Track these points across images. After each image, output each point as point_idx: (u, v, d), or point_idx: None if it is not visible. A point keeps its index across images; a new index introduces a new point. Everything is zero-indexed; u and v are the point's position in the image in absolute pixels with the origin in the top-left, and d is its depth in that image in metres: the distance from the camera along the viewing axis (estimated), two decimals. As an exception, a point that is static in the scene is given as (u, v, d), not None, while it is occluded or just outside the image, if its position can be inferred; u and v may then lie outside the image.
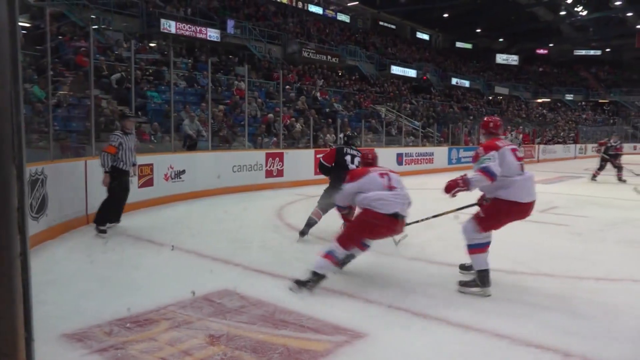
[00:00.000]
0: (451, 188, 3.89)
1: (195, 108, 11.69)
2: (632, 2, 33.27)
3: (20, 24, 0.96)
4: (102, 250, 5.30)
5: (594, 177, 13.41)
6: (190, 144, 10.02)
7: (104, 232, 5.85)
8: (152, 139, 10.08)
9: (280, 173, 10.98)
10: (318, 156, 11.21)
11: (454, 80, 34.01)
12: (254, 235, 6.07)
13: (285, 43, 23.54)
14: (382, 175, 4.08)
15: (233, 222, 7.03)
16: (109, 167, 5.81)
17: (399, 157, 15.24)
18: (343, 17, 32.64)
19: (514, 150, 3.94)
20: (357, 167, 5.47)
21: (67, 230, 5.96)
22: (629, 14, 36.75)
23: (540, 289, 4.05)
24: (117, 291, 3.92)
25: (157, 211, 7.62)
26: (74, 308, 3.46)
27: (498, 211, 3.90)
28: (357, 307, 3.59)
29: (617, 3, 34.69)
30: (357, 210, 4.31)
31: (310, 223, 5.73)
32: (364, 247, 4.31)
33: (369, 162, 4.48)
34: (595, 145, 14.61)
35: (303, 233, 5.73)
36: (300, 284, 3.82)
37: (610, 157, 13.15)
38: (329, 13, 31.44)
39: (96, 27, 14.93)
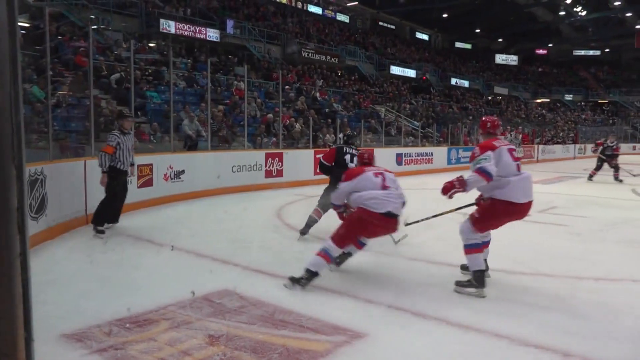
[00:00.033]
0: (448, 190, 3.91)
1: (194, 108, 11.70)
2: (632, 3, 33.29)
3: (19, 24, 0.96)
4: (101, 250, 5.30)
5: (590, 177, 13.48)
6: (192, 145, 10.03)
7: (102, 232, 5.84)
8: (152, 139, 10.08)
9: (279, 173, 10.98)
10: (318, 156, 11.22)
11: (453, 81, 34.03)
12: (254, 235, 6.07)
13: (285, 43, 23.54)
14: (376, 174, 4.15)
15: (233, 222, 7.03)
16: (107, 167, 5.79)
17: (399, 157, 15.25)
18: (342, 17, 32.64)
19: (511, 150, 3.94)
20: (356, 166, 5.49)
21: (67, 231, 5.95)
22: (628, 14, 36.78)
23: (540, 289, 4.05)
24: (116, 291, 3.92)
25: (156, 211, 7.62)
26: (74, 308, 3.46)
27: (493, 211, 3.90)
28: (357, 307, 3.58)
29: (617, 3, 34.72)
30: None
31: (310, 222, 5.78)
32: (360, 245, 4.39)
33: (365, 161, 4.53)
34: (593, 145, 14.68)
35: (303, 232, 5.78)
36: (295, 280, 3.90)
37: (607, 158, 13.21)
38: (329, 13, 31.44)
39: (95, 27, 14.92)
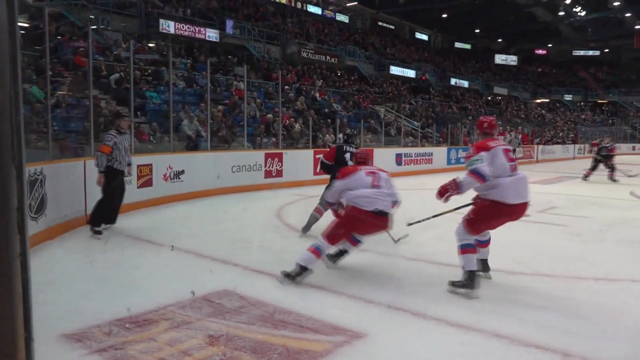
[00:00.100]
0: (443, 193, 3.96)
1: (194, 108, 11.70)
2: (631, 3, 33.32)
3: (19, 24, 0.96)
4: (101, 250, 5.30)
5: (585, 177, 13.52)
6: (193, 145, 10.04)
7: (99, 233, 5.80)
8: (151, 139, 10.07)
9: (279, 173, 10.98)
10: (317, 156, 11.23)
11: (452, 81, 34.03)
12: (254, 236, 6.07)
13: (284, 43, 23.53)
14: (368, 173, 4.30)
15: (232, 222, 7.03)
16: (104, 167, 5.76)
17: (398, 157, 15.25)
18: (342, 18, 32.63)
19: (506, 150, 3.93)
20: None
21: (67, 231, 5.95)
22: (628, 15, 36.80)
23: (540, 289, 4.06)
24: (116, 291, 3.92)
25: (156, 211, 7.62)
26: (74, 308, 3.46)
27: (485, 212, 3.90)
28: (357, 307, 3.59)
29: (616, 3, 34.73)
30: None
31: (312, 220, 5.91)
32: (355, 242, 4.49)
33: (360, 160, 4.69)
34: (588, 145, 14.76)
35: (305, 229, 5.91)
36: (287, 275, 4.02)
37: (603, 158, 13.26)
38: (328, 13, 31.44)
39: (95, 27, 14.90)
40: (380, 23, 36.26)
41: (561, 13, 38.44)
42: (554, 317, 3.42)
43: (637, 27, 37.53)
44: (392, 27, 37.22)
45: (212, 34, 19.99)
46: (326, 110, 17.52)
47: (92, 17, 15.43)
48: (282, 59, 22.73)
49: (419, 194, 9.52)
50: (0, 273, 0.94)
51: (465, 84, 35.30)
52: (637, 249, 5.68)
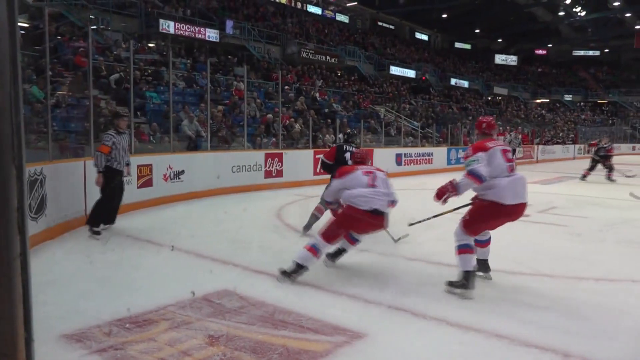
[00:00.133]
0: (441, 195, 3.97)
1: (194, 108, 11.70)
2: (631, 3, 33.32)
3: (19, 24, 0.96)
4: (101, 250, 5.30)
5: (583, 177, 13.55)
6: (194, 145, 10.04)
7: (98, 233, 5.78)
8: (151, 139, 10.07)
9: (279, 173, 10.98)
10: (317, 156, 11.24)
11: (453, 81, 34.04)
12: (254, 236, 6.07)
13: (284, 43, 23.53)
14: (366, 173, 4.34)
15: (232, 222, 7.03)
16: (103, 167, 5.75)
17: (398, 157, 15.25)
18: (342, 18, 32.63)
19: (504, 151, 3.93)
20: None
21: (67, 231, 5.95)
22: (628, 15, 36.81)
23: (540, 289, 4.06)
24: (116, 291, 3.92)
25: (156, 211, 7.61)
26: (74, 308, 3.45)
27: (483, 212, 3.91)
28: (357, 308, 3.59)
29: (616, 4, 34.74)
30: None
31: (313, 219, 5.97)
32: (353, 241, 4.54)
33: (357, 160, 4.74)
34: (586, 146, 14.80)
35: (306, 229, 5.96)
36: (285, 273, 4.07)
37: (601, 158, 13.30)
38: (328, 13, 31.44)
39: (95, 27, 14.91)
40: (380, 23, 36.26)
41: (561, 13, 38.45)
42: (554, 317, 3.42)
43: (637, 27, 37.53)
44: (392, 27, 37.22)
45: (212, 34, 19.99)
46: (326, 110, 17.53)
47: (92, 17, 15.43)
48: (282, 59, 22.74)
49: (419, 194, 9.52)
50: (1, 273, 0.94)
51: (465, 84, 35.30)
52: (637, 249, 5.68)
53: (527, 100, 40.89)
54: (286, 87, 17.35)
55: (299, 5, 29.04)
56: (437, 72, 33.49)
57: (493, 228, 4.11)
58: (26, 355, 0.98)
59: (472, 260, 3.89)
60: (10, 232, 0.95)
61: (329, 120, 15.80)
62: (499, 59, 44.98)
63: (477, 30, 41.63)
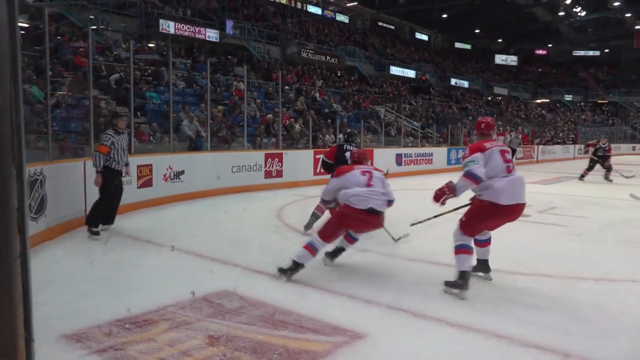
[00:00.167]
0: (439, 197, 3.98)
1: (194, 108, 11.70)
2: (631, 3, 33.32)
3: (19, 24, 0.96)
4: (101, 250, 5.29)
5: (582, 177, 13.61)
6: (195, 145, 10.05)
7: (97, 234, 5.75)
8: (151, 139, 10.07)
9: (279, 174, 10.98)
10: (317, 157, 11.25)
11: (453, 81, 34.03)
12: (254, 236, 6.07)
13: (284, 43, 23.54)
14: (363, 172, 4.40)
15: (232, 222, 7.03)
16: (101, 167, 5.73)
17: (398, 157, 15.24)
18: (342, 18, 32.64)
19: (503, 151, 3.93)
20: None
21: (66, 231, 5.95)
22: (628, 15, 36.80)
23: (540, 289, 4.06)
24: (116, 292, 3.92)
25: (156, 212, 7.61)
26: (74, 308, 3.45)
27: (480, 213, 3.91)
28: (357, 308, 3.59)
29: (616, 4, 34.73)
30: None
31: (314, 218, 6.01)
32: (352, 240, 4.60)
33: (355, 160, 4.80)
34: (584, 146, 14.85)
35: (307, 227, 6.01)
36: (282, 271, 4.14)
37: (599, 159, 13.34)
38: (328, 13, 31.44)
39: (95, 27, 14.91)
40: (380, 23, 36.27)
41: (561, 13, 38.44)
42: (554, 317, 3.42)
43: (637, 27, 37.52)
44: (392, 27, 37.23)
45: (212, 34, 19.99)
46: (326, 110, 17.52)
47: (92, 17, 15.43)
48: (282, 59, 22.73)
49: (419, 194, 9.52)
50: (1, 273, 0.94)
51: (466, 84, 35.29)
52: (637, 249, 5.68)
53: (527, 101, 40.88)
54: (286, 87, 17.35)
55: (299, 5, 29.05)
56: (437, 72, 33.49)
57: (492, 228, 4.11)
58: (26, 355, 0.98)
59: (469, 261, 3.89)
60: (10, 232, 0.95)
61: (329, 121, 15.80)
62: (499, 59, 44.99)
63: (477, 31, 41.64)
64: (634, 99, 42.17)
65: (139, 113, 10.49)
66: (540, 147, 24.55)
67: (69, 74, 10.98)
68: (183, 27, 18.88)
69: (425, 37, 40.62)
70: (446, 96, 31.19)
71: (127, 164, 6.17)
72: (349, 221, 4.27)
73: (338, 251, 4.64)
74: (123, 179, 6.24)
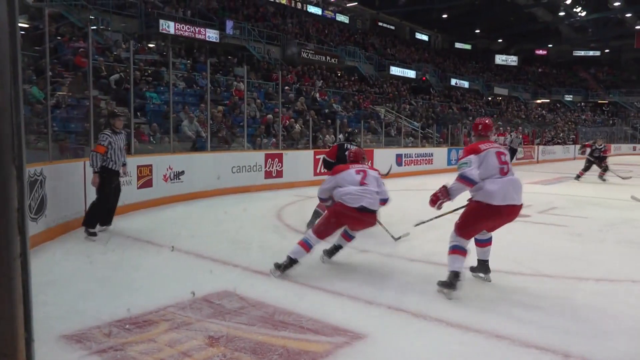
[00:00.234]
0: (434, 202, 4.00)
1: (194, 109, 11.70)
2: (631, 3, 33.31)
3: (19, 24, 0.96)
4: (101, 251, 5.29)
5: (578, 177, 13.69)
6: (197, 146, 10.06)
7: (94, 234, 5.72)
8: (151, 139, 10.07)
9: (279, 174, 10.98)
10: (317, 157, 11.25)
11: (453, 81, 34.04)
12: (254, 236, 6.07)
13: (285, 44, 23.54)
14: (358, 171, 4.49)
15: (232, 222, 7.03)
16: (98, 167, 5.71)
17: (399, 157, 15.24)
18: (342, 18, 32.64)
19: (499, 153, 3.91)
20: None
21: (66, 231, 5.95)
22: (628, 15, 36.80)
23: (540, 290, 4.06)
24: (116, 292, 3.92)
25: (156, 212, 7.61)
26: (73, 309, 3.46)
27: (471, 213, 3.92)
28: (357, 308, 3.59)
29: (616, 4, 34.73)
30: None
31: (315, 215, 6.08)
32: (349, 237, 4.67)
33: (352, 159, 4.88)
34: (581, 147, 14.93)
35: (309, 225, 6.04)
36: (277, 266, 4.25)
37: (596, 159, 13.44)
38: (328, 14, 31.44)
39: (95, 27, 14.91)
40: (380, 23, 36.27)
41: (561, 13, 38.41)
42: (554, 317, 3.42)
43: (637, 27, 37.53)
44: (392, 27, 37.24)
45: (212, 35, 19.99)
46: (326, 110, 17.52)
47: (92, 17, 15.42)
48: (282, 59, 22.73)
49: (419, 194, 9.52)
50: (1, 273, 0.94)
51: (466, 84, 35.30)
52: (637, 249, 5.68)
53: (527, 101, 40.88)
54: (286, 87, 17.35)
55: (299, 5, 29.05)
56: (438, 73, 33.49)
57: (488, 229, 4.10)
58: (26, 355, 0.98)
59: (461, 262, 3.88)
60: (11, 232, 0.95)
61: (329, 121, 15.80)
62: (499, 59, 44.99)
63: (477, 31, 41.63)
64: (634, 99, 42.17)
65: (139, 113, 10.49)
66: (541, 147, 24.54)
67: (69, 74, 10.98)
68: (183, 27, 18.88)
69: (425, 38, 40.63)
70: (446, 96, 31.19)
71: (124, 164, 6.14)
72: (342, 219, 4.36)
73: (335, 249, 4.71)
74: (122, 179, 6.23)
